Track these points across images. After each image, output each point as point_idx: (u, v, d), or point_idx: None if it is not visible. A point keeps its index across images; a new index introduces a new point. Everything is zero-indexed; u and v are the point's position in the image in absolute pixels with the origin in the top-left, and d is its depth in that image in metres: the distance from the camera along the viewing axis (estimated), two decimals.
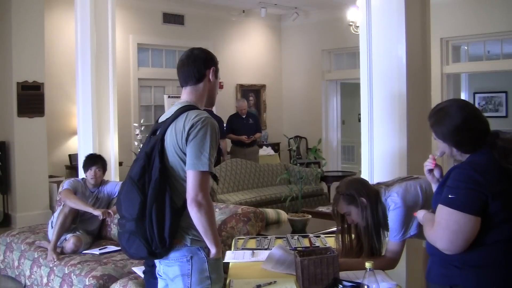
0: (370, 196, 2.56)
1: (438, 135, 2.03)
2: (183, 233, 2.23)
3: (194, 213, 2.16)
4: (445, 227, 1.88)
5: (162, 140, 2.25)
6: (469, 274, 1.92)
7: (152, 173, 2.20)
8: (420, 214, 2.15)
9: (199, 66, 2.33)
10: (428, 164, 2.20)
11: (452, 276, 1.96)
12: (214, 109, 7.24)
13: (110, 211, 4.17)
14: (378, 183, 2.71)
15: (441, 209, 1.91)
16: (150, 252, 2.21)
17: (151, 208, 2.17)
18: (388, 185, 2.62)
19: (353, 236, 2.69)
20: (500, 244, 1.89)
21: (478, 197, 1.85)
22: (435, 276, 2.05)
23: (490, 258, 1.90)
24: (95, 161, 4.44)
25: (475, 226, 1.86)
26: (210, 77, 2.35)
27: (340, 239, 2.72)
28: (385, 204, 2.55)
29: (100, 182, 4.48)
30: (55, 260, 3.97)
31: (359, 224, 2.60)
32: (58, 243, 4.13)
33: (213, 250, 2.22)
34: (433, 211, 2.05)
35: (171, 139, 2.23)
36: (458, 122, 1.97)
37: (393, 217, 2.50)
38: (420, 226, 2.34)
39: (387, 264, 2.56)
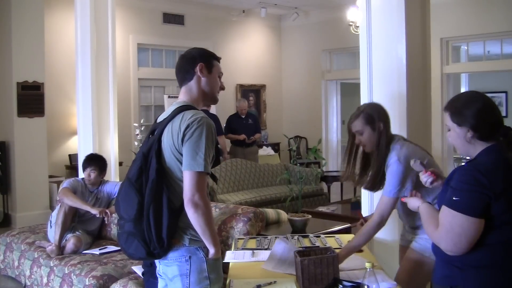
0: (387, 127, 2.64)
1: (454, 118, 1.99)
2: (182, 233, 2.23)
3: (191, 214, 2.16)
4: (449, 230, 1.89)
5: (159, 140, 2.25)
6: (470, 275, 1.92)
7: (149, 173, 2.20)
8: (414, 203, 2.16)
9: (186, 65, 2.34)
10: (428, 177, 2.20)
11: (453, 277, 1.97)
12: (213, 108, 7.27)
13: (107, 210, 4.18)
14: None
15: (445, 211, 1.91)
16: (149, 253, 2.21)
17: (149, 208, 2.17)
18: (403, 139, 2.69)
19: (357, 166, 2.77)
20: (501, 245, 1.90)
21: (482, 198, 1.85)
22: (438, 277, 2.06)
23: (491, 259, 1.90)
24: (90, 162, 4.45)
25: (478, 228, 1.86)
26: (199, 74, 2.33)
27: (346, 158, 2.79)
28: (390, 150, 2.60)
29: (100, 182, 4.49)
30: (56, 253, 3.98)
31: (366, 149, 2.67)
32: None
33: (211, 250, 2.21)
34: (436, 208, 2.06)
35: (168, 140, 2.23)
36: (479, 106, 1.96)
37: (394, 169, 2.53)
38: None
39: (375, 221, 2.58)
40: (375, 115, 2.64)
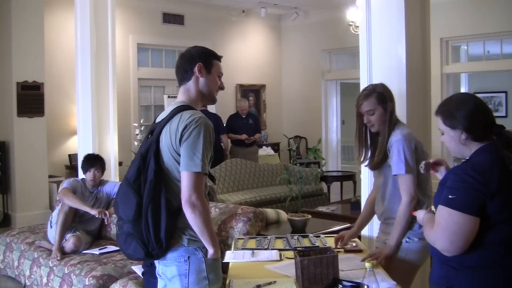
0: (394, 108, 2.71)
1: (446, 121, 2.01)
2: (180, 234, 2.22)
3: (189, 214, 2.15)
4: (445, 228, 1.88)
5: (157, 141, 2.24)
6: (465, 275, 1.92)
7: (147, 174, 2.20)
8: (420, 214, 2.16)
9: (185, 65, 2.32)
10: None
11: (449, 277, 1.97)
12: (213, 107, 7.29)
13: (106, 211, 4.18)
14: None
15: (441, 209, 1.91)
16: (147, 253, 2.21)
17: (147, 209, 2.17)
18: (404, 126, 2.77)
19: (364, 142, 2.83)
20: (496, 245, 1.90)
21: (478, 197, 1.85)
22: (434, 277, 2.06)
23: (486, 259, 1.90)
24: (94, 162, 4.43)
25: (474, 226, 1.86)
26: (198, 74, 2.31)
27: (357, 141, 2.82)
28: (395, 129, 2.68)
29: (99, 182, 4.49)
30: (58, 258, 3.97)
31: (373, 128, 2.71)
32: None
33: (210, 251, 2.21)
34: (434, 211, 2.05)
35: (166, 140, 2.22)
36: (471, 107, 1.98)
37: (401, 146, 2.59)
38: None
39: (405, 201, 2.59)
40: (387, 95, 2.70)
